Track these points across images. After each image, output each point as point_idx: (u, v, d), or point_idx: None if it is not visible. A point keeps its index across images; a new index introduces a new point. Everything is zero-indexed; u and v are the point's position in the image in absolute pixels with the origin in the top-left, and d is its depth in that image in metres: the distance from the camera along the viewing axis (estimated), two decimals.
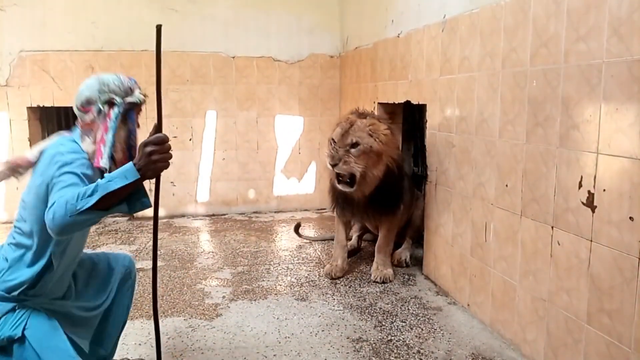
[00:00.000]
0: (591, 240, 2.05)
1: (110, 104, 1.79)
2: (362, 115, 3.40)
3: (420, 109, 4.04)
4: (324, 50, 5.57)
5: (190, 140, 5.38)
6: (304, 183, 5.66)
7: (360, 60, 4.88)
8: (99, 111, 1.78)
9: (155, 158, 1.55)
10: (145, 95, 1.88)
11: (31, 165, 1.82)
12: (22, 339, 1.71)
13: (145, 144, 1.56)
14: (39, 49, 4.99)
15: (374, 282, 3.49)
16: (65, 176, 1.61)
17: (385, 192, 3.37)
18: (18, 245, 1.78)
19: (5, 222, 5.15)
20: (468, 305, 3.03)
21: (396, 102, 4.02)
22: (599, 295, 2.02)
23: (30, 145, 5.09)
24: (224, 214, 5.53)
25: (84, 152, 1.76)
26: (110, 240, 4.51)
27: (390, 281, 3.50)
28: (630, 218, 1.85)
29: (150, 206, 1.68)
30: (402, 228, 3.97)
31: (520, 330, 2.53)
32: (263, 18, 5.39)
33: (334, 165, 3.18)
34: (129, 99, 1.82)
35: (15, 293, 1.74)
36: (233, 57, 5.37)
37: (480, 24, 2.79)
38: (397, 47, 3.93)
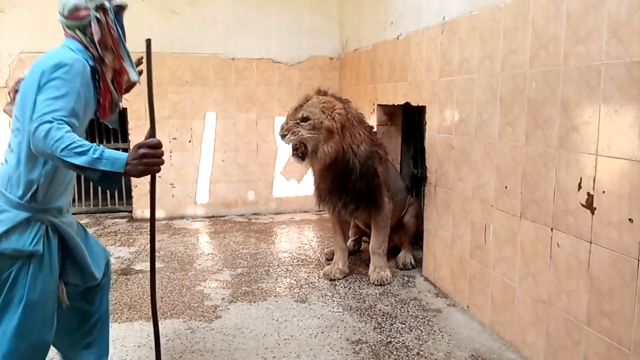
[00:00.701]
0: (591, 242, 2.05)
1: (103, 9, 1.78)
2: (323, 93, 3.41)
3: (420, 111, 4.05)
4: (323, 52, 5.58)
5: (189, 141, 5.38)
6: (304, 185, 5.66)
7: (359, 62, 4.89)
8: (98, 20, 1.77)
9: (146, 161, 1.59)
10: None
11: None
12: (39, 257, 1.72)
13: (140, 146, 1.60)
14: (39, 51, 4.97)
15: (373, 284, 3.49)
16: (58, 82, 1.60)
17: (346, 177, 3.34)
18: (17, 157, 1.73)
19: None
20: (467, 307, 3.03)
21: (396, 104, 4.02)
22: (598, 297, 2.02)
23: None
24: (224, 216, 5.53)
25: (86, 59, 1.75)
26: (110, 242, 4.50)
27: (389, 283, 3.50)
28: (630, 220, 1.85)
29: (118, 188, 1.75)
30: (395, 229, 3.90)
31: (520, 332, 2.53)
32: (263, 20, 5.40)
33: (283, 137, 3.26)
34: (116, 2, 1.83)
35: (28, 197, 1.71)
36: (233, 59, 5.38)
37: (479, 26, 2.80)
38: (397, 49, 3.93)
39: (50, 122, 1.53)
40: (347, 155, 3.31)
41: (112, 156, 1.56)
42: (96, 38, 1.77)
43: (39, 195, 1.74)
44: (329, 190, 3.46)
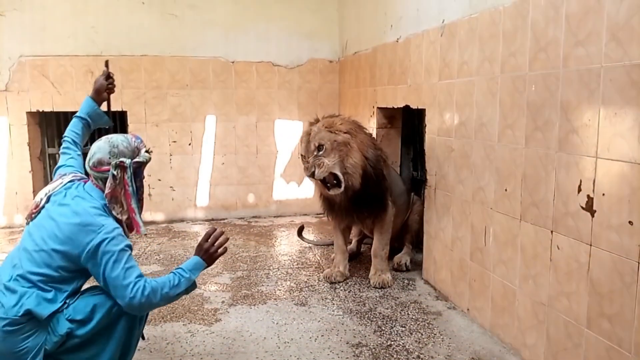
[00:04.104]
0: (590, 245, 2.05)
1: (122, 167, 1.94)
2: (315, 121, 3.43)
3: (420, 114, 4.05)
4: (323, 55, 5.59)
5: (189, 144, 5.39)
6: (304, 187, 5.66)
7: (359, 65, 4.89)
8: (114, 177, 1.93)
9: (212, 251, 2.09)
10: (150, 152, 2.08)
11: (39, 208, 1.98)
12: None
13: (201, 245, 2.10)
14: (39, 54, 5.00)
15: (374, 287, 3.48)
16: (123, 254, 1.87)
17: (367, 190, 3.35)
18: (45, 289, 1.87)
19: (4, 227, 5.14)
20: (468, 309, 3.03)
21: (395, 107, 4.03)
22: (598, 300, 2.01)
23: (30, 149, 5.10)
24: (224, 219, 5.52)
25: (113, 220, 1.95)
26: None
27: (390, 286, 3.48)
28: (630, 222, 1.85)
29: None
30: (400, 233, 3.97)
31: (520, 335, 2.53)
32: (262, 23, 5.41)
33: (311, 175, 3.22)
34: (137, 159, 2.00)
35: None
36: (232, 62, 5.38)
37: (479, 28, 2.80)
38: (396, 52, 3.94)
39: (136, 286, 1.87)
40: (360, 180, 3.31)
41: (192, 266, 2.03)
42: (106, 192, 1.95)
43: None
44: (349, 209, 3.42)
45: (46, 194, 1.99)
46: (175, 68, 5.25)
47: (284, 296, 3.36)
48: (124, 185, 1.96)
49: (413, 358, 2.55)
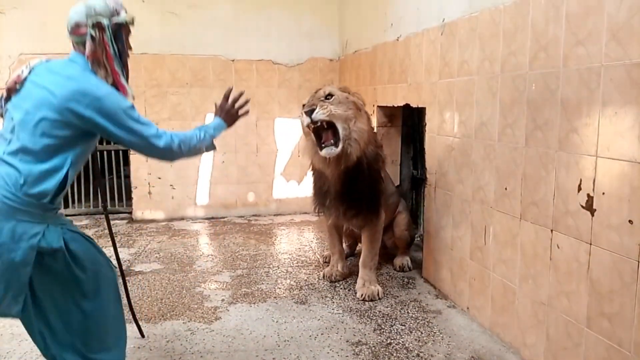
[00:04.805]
0: (590, 244, 2.05)
1: (100, 28, 1.86)
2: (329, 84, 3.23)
3: (420, 112, 4.05)
4: (323, 54, 5.59)
5: None
6: (304, 186, 5.66)
7: (359, 64, 4.89)
8: (92, 38, 1.85)
9: (234, 112, 2.17)
10: (131, 16, 1.97)
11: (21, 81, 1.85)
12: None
13: (222, 106, 2.16)
14: (39, 52, 4.98)
15: (362, 300, 3.22)
16: (134, 112, 1.84)
17: (354, 178, 3.07)
18: (30, 161, 1.76)
19: None
20: (467, 308, 3.03)
21: (395, 106, 4.03)
22: (598, 299, 2.02)
23: None
24: (224, 217, 5.53)
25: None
26: (109, 243, 4.48)
27: (379, 299, 3.24)
28: (630, 221, 1.85)
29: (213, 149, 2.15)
30: (386, 233, 3.75)
31: (520, 334, 2.53)
32: (263, 21, 5.40)
33: (310, 112, 2.79)
34: (116, 20, 1.91)
35: (45, 201, 1.77)
36: (233, 61, 5.38)
37: (479, 27, 2.80)
38: (397, 51, 3.94)
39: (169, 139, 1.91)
40: (359, 154, 3.01)
41: (215, 127, 2.08)
42: (86, 54, 1.86)
43: None
44: (337, 195, 3.14)
45: (27, 66, 1.88)
46: (175, 66, 5.25)
47: (284, 294, 3.36)
48: (104, 46, 1.87)
49: (413, 356, 2.55)
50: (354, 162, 3.00)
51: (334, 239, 3.63)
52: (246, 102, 2.20)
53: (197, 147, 1.99)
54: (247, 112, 2.21)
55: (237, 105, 2.17)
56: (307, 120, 2.83)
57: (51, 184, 1.76)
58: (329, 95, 2.92)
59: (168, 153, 1.91)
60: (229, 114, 2.15)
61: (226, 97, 2.17)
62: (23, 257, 1.73)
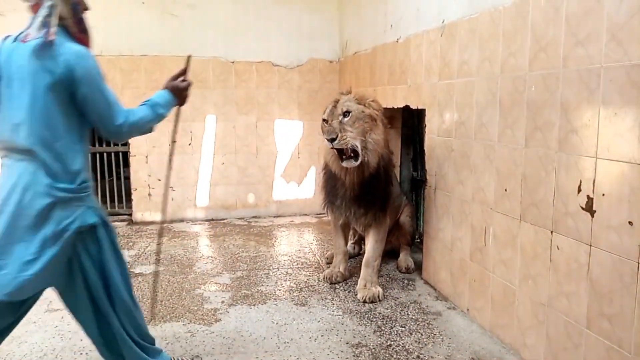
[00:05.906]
0: (590, 245, 2.04)
1: None
2: (347, 92, 3.32)
3: (419, 114, 4.05)
4: (323, 55, 5.59)
5: (189, 144, 5.39)
6: (304, 187, 5.66)
7: (359, 65, 4.89)
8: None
9: (185, 94, 2.23)
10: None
11: None
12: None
13: (171, 85, 2.20)
14: None
15: (362, 302, 3.22)
16: (105, 86, 1.88)
17: (376, 181, 3.25)
18: (53, 151, 1.81)
19: None
20: (467, 309, 3.02)
21: (395, 107, 4.03)
22: (598, 300, 2.01)
23: None
24: (223, 219, 5.52)
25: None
26: None
27: (380, 300, 3.24)
28: (630, 222, 1.85)
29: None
30: (393, 234, 3.87)
31: (520, 335, 2.53)
32: (262, 23, 5.41)
33: (332, 140, 3.03)
34: None
35: (79, 181, 1.87)
36: (232, 62, 5.38)
37: (479, 28, 2.80)
38: (396, 52, 3.94)
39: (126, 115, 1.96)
40: (376, 162, 3.20)
41: (165, 102, 2.13)
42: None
43: None
44: (353, 197, 3.29)
45: None
46: (175, 68, 5.20)
47: (284, 296, 3.36)
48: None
49: (413, 358, 2.55)
50: (372, 170, 3.21)
51: (340, 239, 3.65)
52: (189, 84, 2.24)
53: (145, 129, 2.04)
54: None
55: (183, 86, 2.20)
56: (329, 144, 3.11)
57: None
58: (346, 113, 3.11)
59: (116, 133, 1.95)
60: (182, 96, 2.20)
61: (182, 72, 2.23)
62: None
